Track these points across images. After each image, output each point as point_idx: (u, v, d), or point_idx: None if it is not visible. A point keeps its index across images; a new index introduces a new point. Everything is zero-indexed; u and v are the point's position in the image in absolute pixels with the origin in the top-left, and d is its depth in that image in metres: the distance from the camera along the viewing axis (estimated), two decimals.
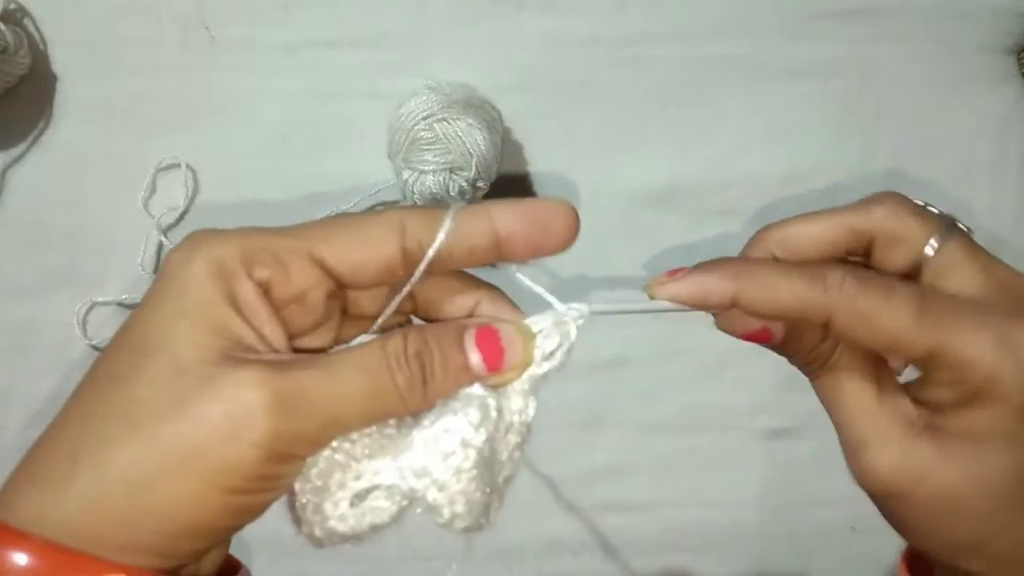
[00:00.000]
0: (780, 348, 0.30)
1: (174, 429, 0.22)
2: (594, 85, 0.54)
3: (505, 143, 0.52)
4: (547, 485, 0.53)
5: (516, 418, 0.26)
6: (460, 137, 0.47)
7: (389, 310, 0.27)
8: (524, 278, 0.27)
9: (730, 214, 0.54)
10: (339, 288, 0.26)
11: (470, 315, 0.28)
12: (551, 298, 0.27)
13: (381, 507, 0.25)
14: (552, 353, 0.26)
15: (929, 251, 0.28)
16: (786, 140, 0.54)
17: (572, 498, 0.53)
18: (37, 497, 0.23)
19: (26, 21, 0.54)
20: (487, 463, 0.25)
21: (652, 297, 0.28)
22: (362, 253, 0.25)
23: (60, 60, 0.55)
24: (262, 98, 0.54)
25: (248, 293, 0.24)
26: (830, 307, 0.26)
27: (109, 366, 0.24)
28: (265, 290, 0.24)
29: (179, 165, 0.54)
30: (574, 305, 0.27)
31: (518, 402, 0.26)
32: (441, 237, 0.25)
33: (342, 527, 0.25)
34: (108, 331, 0.54)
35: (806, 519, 0.54)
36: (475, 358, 0.25)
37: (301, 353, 0.25)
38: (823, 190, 0.54)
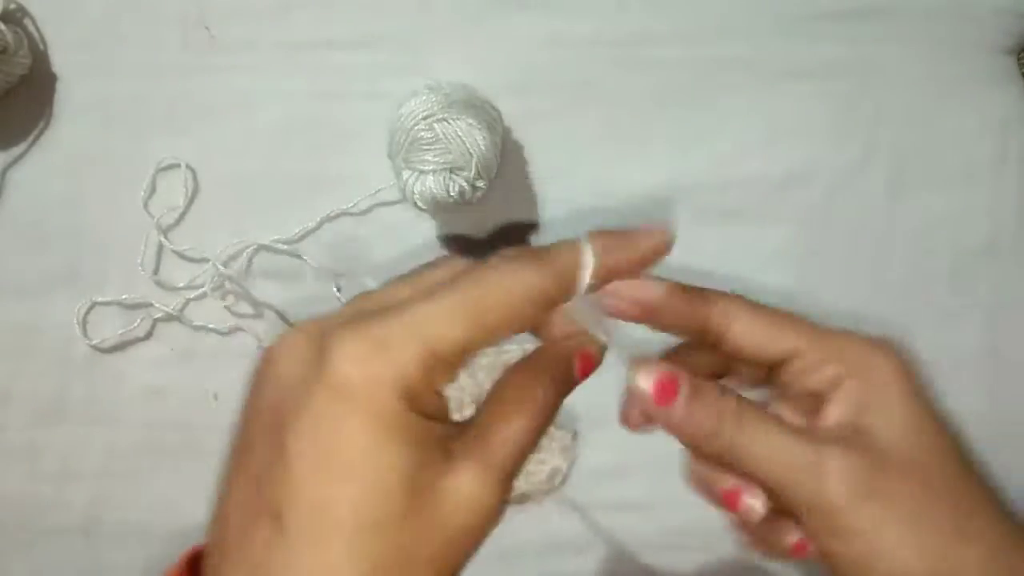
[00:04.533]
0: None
1: (427, 531, 0.23)
2: (595, 85, 0.54)
3: (505, 143, 0.52)
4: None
5: None
6: (460, 137, 0.47)
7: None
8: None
9: (730, 214, 0.54)
10: None
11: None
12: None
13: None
14: None
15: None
16: (786, 140, 0.54)
17: (573, 498, 0.53)
18: None
19: (26, 21, 0.54)
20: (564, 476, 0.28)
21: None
22: (508, 333, 0.25)
23: (60, 60, 0.55)
24: (262, 98, 0.54)
25: (430, 405, 0.24)
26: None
27: (313, 488, 0.23)
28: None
29: (179, 165, 0.54)
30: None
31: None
32: (583, 301, 0.27)
33: None
34: (108, 331, 0.54)
35: None
36: (578, 379, 0.28)
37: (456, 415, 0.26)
38: (823, 190, 0.54)
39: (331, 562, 0.22)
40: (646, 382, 0.28)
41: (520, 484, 0.28)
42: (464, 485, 0.24)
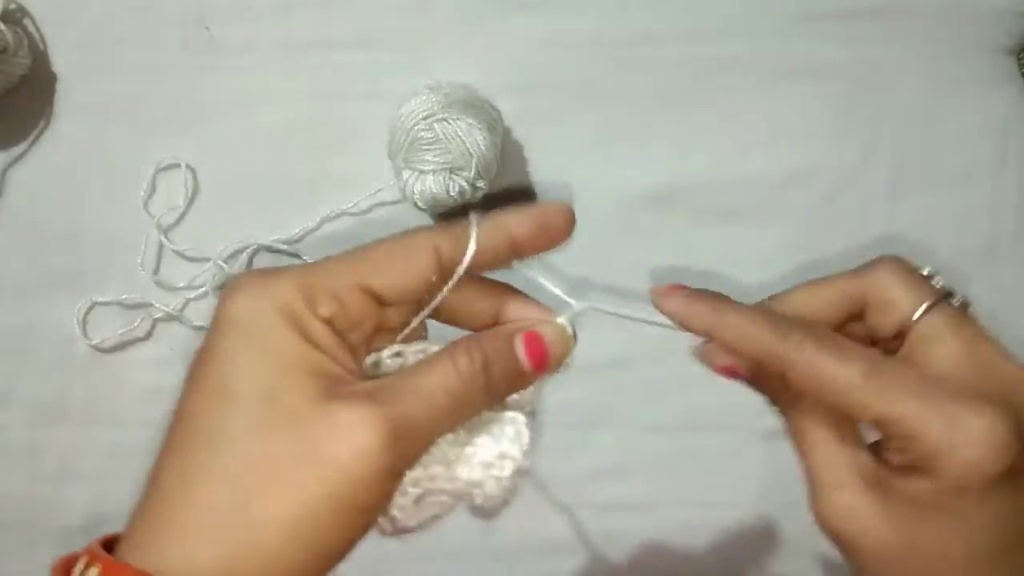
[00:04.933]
0: (749, 384, 0.32)
1: (317, 473, 0.24)
2: (595, 85, 0.54)
3: (505, 143, 0.52)
4: (547, 485, 0.53)
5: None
6: (460, 137, 0.47)
7: (418, 320, 0.30)
8: (546, 282, 0.31)
9: (730, 214, 0.54)
10: (380, 307, 0.28)
11: (495, 318, 0.30)
12: (568, 299, 0.31)
13: (439, 503, 0.29)
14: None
15: (920, 312, 0.29)
16: (786, 140, 0.54)
17: (572, 498, 0.53)
18: (178, 550, 0.24)
19: (26, 21, 0.54)
20: (520, 468, 0.29)
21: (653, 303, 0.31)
22: (406, 277, 0.28)
23: (60, 60, 0.55)
24: (262, 98, 0.54)
25: (320, 330, 0.26)
26: (787, 361, 0.28)
27: (212, 418, 0.25)
28: (330, 324, 0.26)
29: (179, 165, 0.54)
30: (577, 304, 0.30)
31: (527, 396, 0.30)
32: (471, 251, 0.28)
33: (409, 521, 0.29)
34: (108, 331, 0.54)
35: (806, 519, 0.54)
36: (526, 362, 0.28)
37: (377, 378, 0.27)
38: (823, 190, 0.54)
39: (211, 465, 0.25)
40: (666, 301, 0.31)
41: (460, 473, 0.29)
42: (345, 421, 0.24)
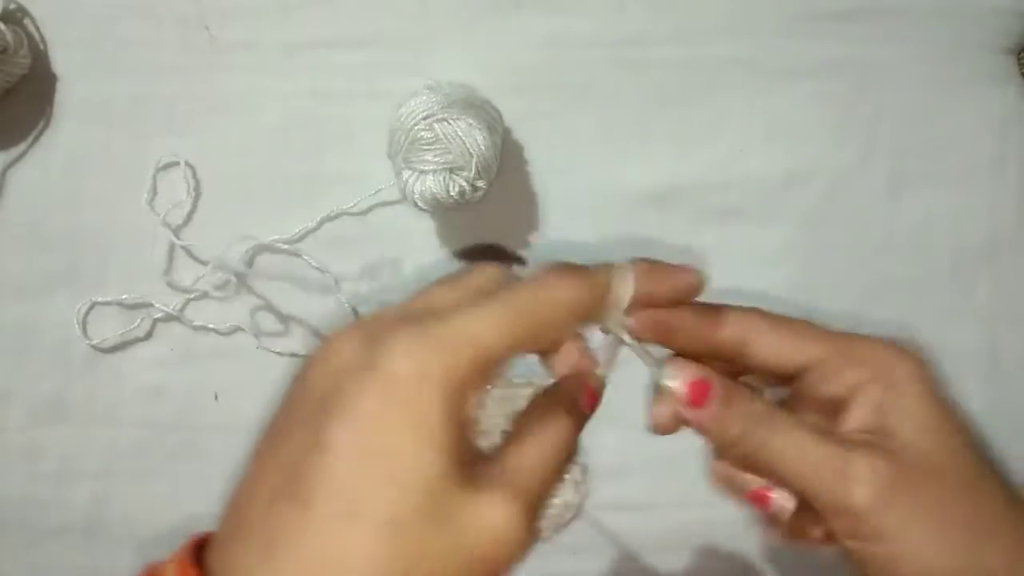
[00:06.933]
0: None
1: (453, 554, 0.23)
2: (595, 85, 0.54)
3: (505, 143, 0.52)
4: None
5: None
6: (460, 137, 0.47)
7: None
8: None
9: (730, 214, 0.54)
10: None
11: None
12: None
13: None
14: None
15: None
16: (786, 140, 0.54)
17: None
18: None
19: (26, 21, 0.54)
20: (568, 503, 0.30)
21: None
22: (553, 344, 0.28)
23: (60, 60, 0.55)
24: (262, 98, 0.54)
25: (470, 411, 0.24)
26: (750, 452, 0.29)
27: (345, 477, 0.23)
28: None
29: (178, 163, 0.54)
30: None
31: None
32: (623, 324, 0.29)
33: None
34: (108, 331, 0.54)
35: None
36: (587, 412, 0.29)
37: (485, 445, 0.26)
38: (823, 190, 0.54)
39: (352, 548, 0.22)
40: (681, 383, 0.29)
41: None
42: (490, 514, 0.24)
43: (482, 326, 0.24)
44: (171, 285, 0.54)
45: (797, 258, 0.54)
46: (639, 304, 0.28)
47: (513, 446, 0.26)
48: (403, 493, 0.22)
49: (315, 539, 0.22)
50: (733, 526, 0.54)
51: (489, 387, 0.26)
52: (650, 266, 0.29)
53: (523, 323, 0.25)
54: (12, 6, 0.53)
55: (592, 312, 0.27)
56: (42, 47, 0.55)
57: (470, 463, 0.24)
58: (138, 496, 0.55)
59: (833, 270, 0.55)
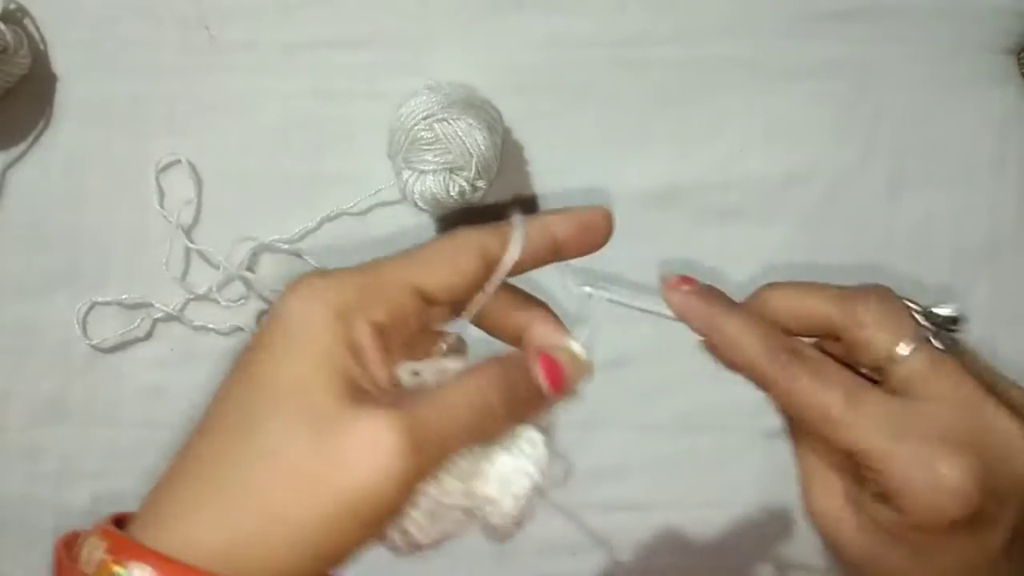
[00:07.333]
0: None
1: (333, 477, 0.24)
2: (595, 85, 0.54)
3: (505, 143, 0.52)
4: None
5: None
6: (460, 137, 0.47)
7: (470, 311, 0.30)
8: (588, 289, 0.32)
9: (730, 214, 0.54)
10: (427, 307, 0.29)
11: (522, 332, 0.31)
12: (584, 288, 0.33)
13: (454, 520, 0.29)
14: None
15: (899, 353, 0.29)
16: (786, 140, 0.54)
17: (571, 498, 0.53)
18: (185, 530, 0.25)
19: (26, 21, 0.54)
20: (537, 485, 0.29)
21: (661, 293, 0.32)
22: (455, 276, 0.28)
23: (60, 60, 0.55)
24: (262, 98, 0.54)
25: (363, 336, 0.26)
26: (769, 379, 0.29)
27: (241, 405, 0.26)
28: (378, 329, 0.27)
29: (179, 161, 0.54)
30: (590, 289, 0.32)
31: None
32: (516, 249, 0.29)
33: (422, 537, 0.28)
34: (108, 331, 0.54)
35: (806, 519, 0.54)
36: (545, 386, 0.29)
37: (402, 388, 0.28)
38: (823, 190, 0.54)
39: (239, 475, 0.25)
40: (673, 278, 0.32)
41: (476, 488, 0.28)
42: (365, 428, 0.24)
43: (375, 264, 0.28)
44: (186, 289, 0.54)
45: (797, 258, 0.54)
46: (559, 250, 0.30)
47: (423, 388, 0.27)
48: (277, 400, 0.25)
49: (209, 465, 0.25)
50: (733, 526, 0.54)
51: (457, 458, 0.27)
52: (548, 212, 0.31)
53: (418, 254, 0.28)
54: (12, 6, 0.53)
55: (492, 250, 0.29)
56: (42, 47, 0.55)
57: (364, 389, 0.26)
58: (138, 496, 0.54)
59: (833, 270, 0.55)
